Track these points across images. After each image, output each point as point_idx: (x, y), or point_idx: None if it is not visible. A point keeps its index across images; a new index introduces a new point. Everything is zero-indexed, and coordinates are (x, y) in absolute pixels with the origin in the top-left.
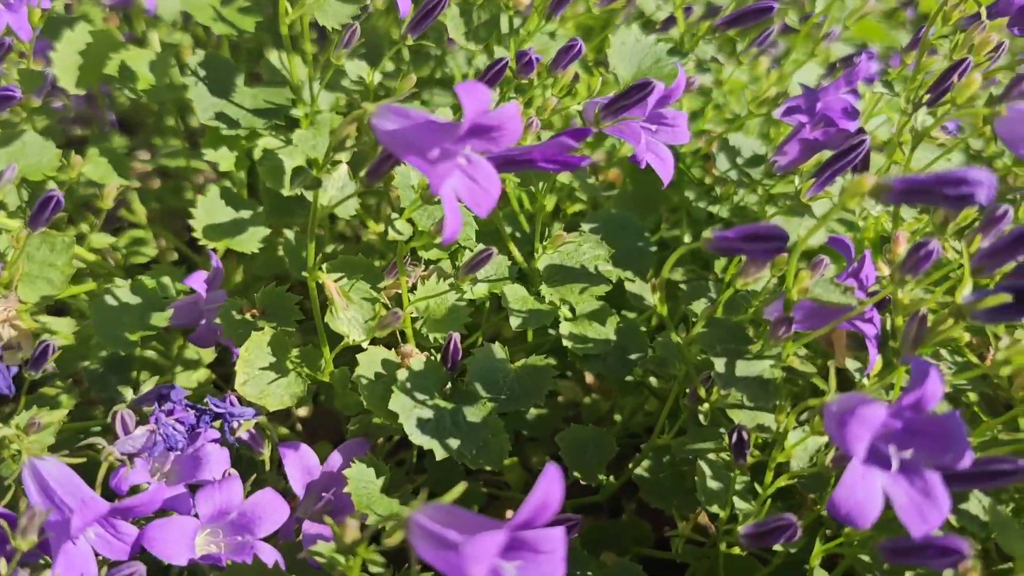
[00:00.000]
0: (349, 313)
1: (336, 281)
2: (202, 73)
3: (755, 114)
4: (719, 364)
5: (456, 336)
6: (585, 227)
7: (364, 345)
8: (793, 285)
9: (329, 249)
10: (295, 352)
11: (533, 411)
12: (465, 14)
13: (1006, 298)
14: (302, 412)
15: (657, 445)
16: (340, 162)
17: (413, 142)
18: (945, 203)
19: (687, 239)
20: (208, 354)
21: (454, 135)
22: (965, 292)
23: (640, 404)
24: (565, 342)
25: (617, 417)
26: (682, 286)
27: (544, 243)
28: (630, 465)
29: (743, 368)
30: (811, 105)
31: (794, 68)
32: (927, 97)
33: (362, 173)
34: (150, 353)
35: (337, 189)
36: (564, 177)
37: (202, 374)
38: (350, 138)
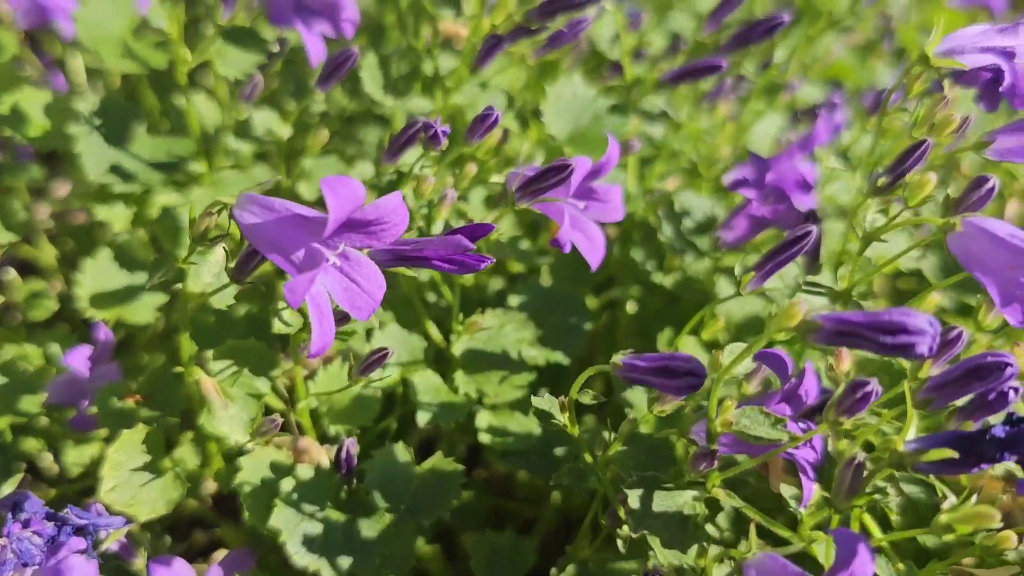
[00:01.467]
0: (230, 412)
1: (226, 369)
2: (97, 121)
3: (705, 177)
4: (633, 498)
5: (349, 442)
6: (514, 301)
7: (249, 446)
8: (716, 416)
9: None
10: (184, 447)
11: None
12: (384, 65)
13: (950, 453)
14: (212, 487)
15: (578, 557)
16: (216, 244)
17: (275, 240)
18: (880, 351)
19: (631, 307)
20: None
21: (320, 234)
22: (909, 437)
23: (568, 505)
24: (482, 436)
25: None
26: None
27: (462, 325)
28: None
29: (662, 501)
30: (761, 175)
31: (754, 119)
32: (883, 180)
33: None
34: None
35: (213, 275)
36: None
37: (96, 448)
38: (210, 231)
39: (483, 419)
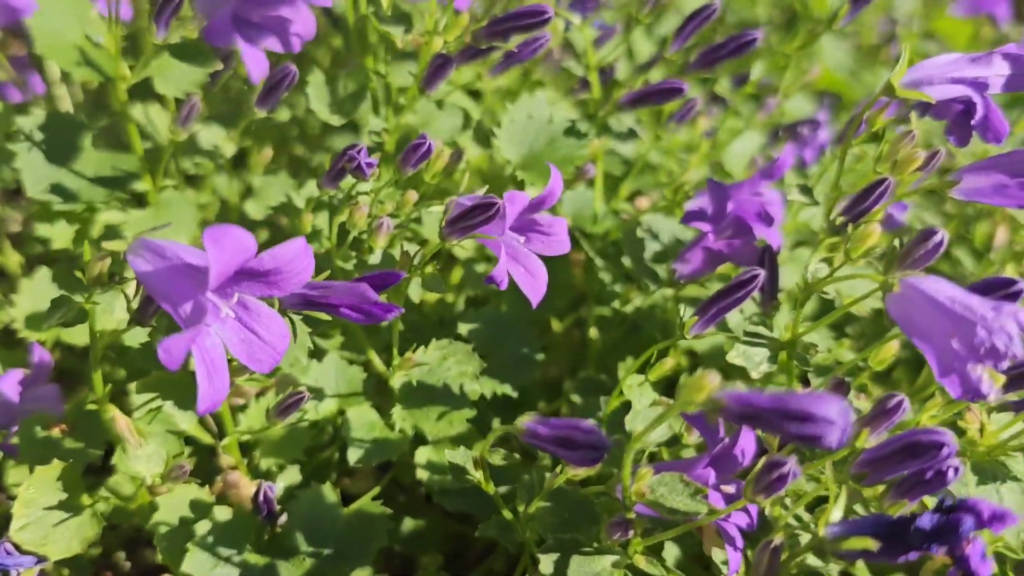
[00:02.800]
0: (147, 449)
1: (147, 403)
2: (39, 136)
3: (671, 200)
4: (547, 563)
5: (268, 486)
6: (464, 329)
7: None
8: (631, 484)
9: None
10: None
11: (410, 522)
12: (331, 83)
13: (870, 544)
14: None
15: None
16: (112, 287)
17: (164, 290)
18: (787, 439)
19: (593, 333)
20: None
21: (204, 287)
22: (832, 520)
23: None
24: (420, 473)
25: None
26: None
27: (398, 359)
28: None
29: (579, 567)
30: (721, 205)
31: (730, 137)
32: (841, 219)
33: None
34: None
35: (126, 311)
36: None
37: None
38: (104, 275)
39: (423, 455)
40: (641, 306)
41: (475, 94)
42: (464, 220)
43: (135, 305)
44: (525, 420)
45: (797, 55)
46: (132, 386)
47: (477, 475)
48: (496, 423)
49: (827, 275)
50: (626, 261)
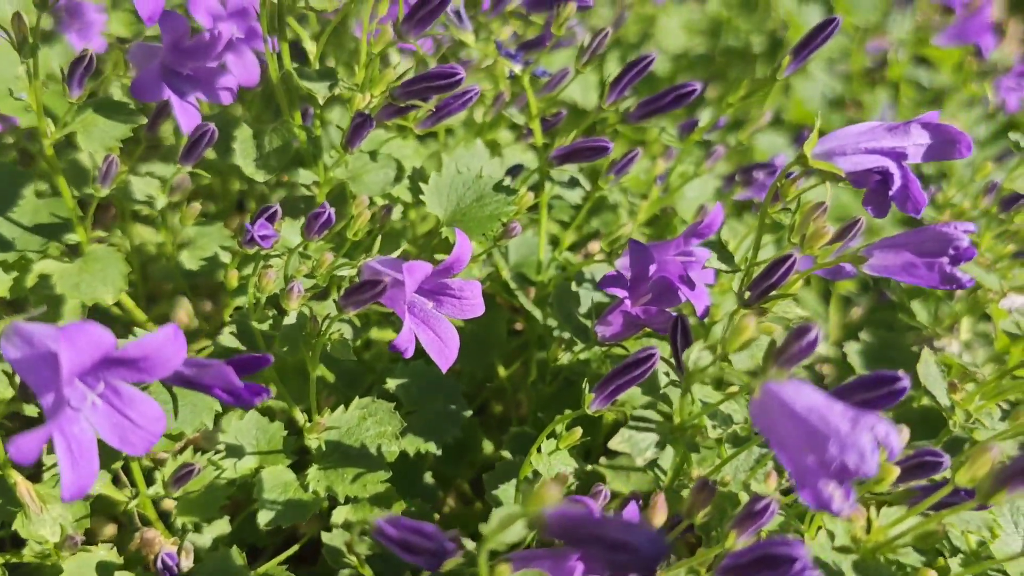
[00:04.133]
0: (52, 513)
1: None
2: None
3: (614, 254)
4: None
5: (167, 553)
6: (392, 383)
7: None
8: None
9: None
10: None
11: None
12: (257, 136)
13: None
14: None
15: None
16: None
17: (29, 378)
18: (608, 567)
19: (528, 386)
20: None
21: (59, 381)
22: None
23: None
24: (326, 536)
25: None
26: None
27: (310, 423)
28: None
29: None
30: (642, 268)
31: (682, 182)
32: (748, 294)
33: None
34: None
35: None
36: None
37: None
38: None
39: (340, 515)
40: (573, 361)
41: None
42: (357, 294)
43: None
44: (378, 519)
45: (758, 98)
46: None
47: (352, 559)
48: (428, 476)
49: (708, 364)
50: (555, 318)
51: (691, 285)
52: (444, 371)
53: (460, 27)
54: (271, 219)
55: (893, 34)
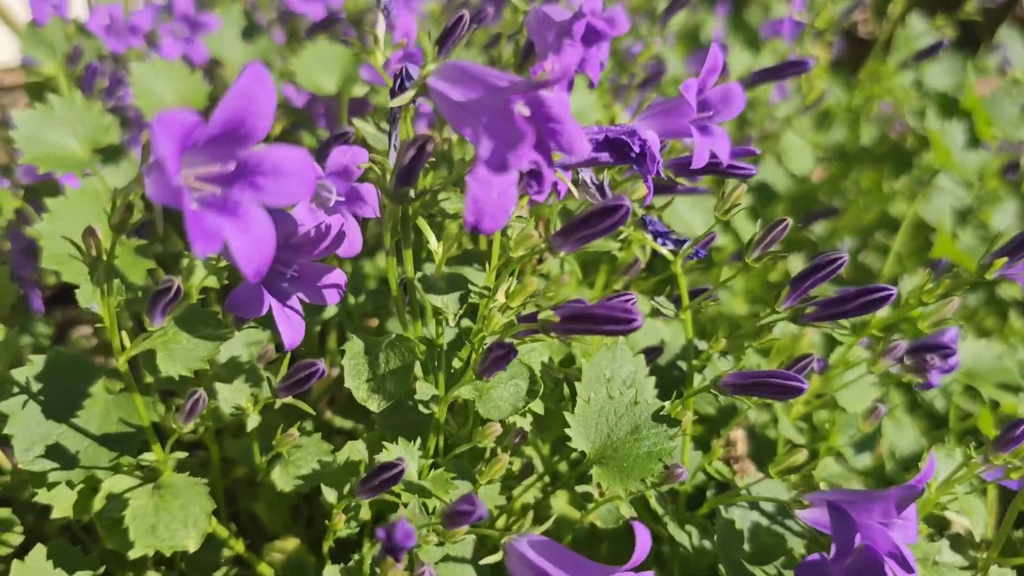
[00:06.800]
0: None
1: None
2: (37, 387)
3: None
4: None
5: None
6: None
7: None
8: None
9: None
10: None
11: None
12: (370, 353)
13: None
14: None
15: None
16: None
17: None
18: None
19: None
20: None
21: None
22: None
23: None
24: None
25: None
26: None
27: None
28: None
29: None
30: (847, 540)
31: (843, 368)
32: None
33: None
34: None
35: None
36: None
37: None
38: None
39: None
40: None
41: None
42: None
43: None
44: None
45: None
46: None
47: None
48: None
49: None
50: (724, 566)
51: (907, 568)
52: None
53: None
54: (393, 478)
55: None
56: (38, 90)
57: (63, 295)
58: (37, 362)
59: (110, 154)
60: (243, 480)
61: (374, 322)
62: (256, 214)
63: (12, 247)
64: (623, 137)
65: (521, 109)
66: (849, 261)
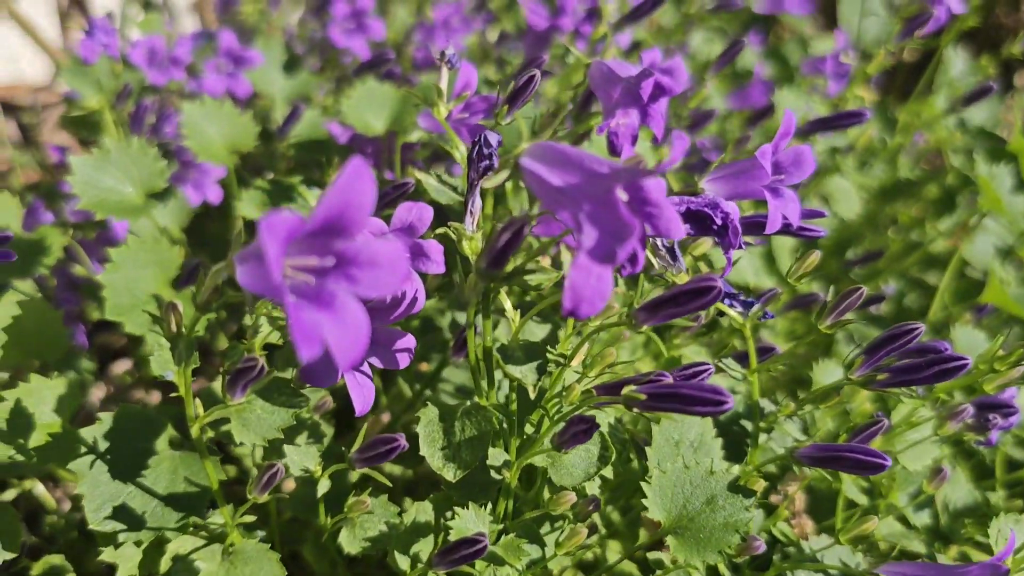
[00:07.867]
0: None
1: None
2: (104, 445)
3: None
4: None
5: None
6: None
7: None
8: None
9: None
10: None
11: None
12: (445, 420)
13: None
14: None
15: None
16: None
17: None
18: None
19: None
20: None
21: None
22: None
23: None
24: None
25: None
26: None
27: None
28: None
29: None
30: None
31: (907, 428)
32: None
33: None
34: None
35: None
36: None
37: None
38: None
39: None
40: None
41: None
42: None
43: None
44: None
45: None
46: None
47: None
48: None
49: None
50: None
51: None
52: None
53: (674, 267)
54: (475, 553)
55: None
56: (78, 124)
57: (100, 324)
58: (106, 420)
59: (160, 195)
60: (287, 520)
61: (424, 366)
62: (352, 306)
63: (58, 282)
64: (705, 210)
65: (620, 193)
66: (892, 300)
